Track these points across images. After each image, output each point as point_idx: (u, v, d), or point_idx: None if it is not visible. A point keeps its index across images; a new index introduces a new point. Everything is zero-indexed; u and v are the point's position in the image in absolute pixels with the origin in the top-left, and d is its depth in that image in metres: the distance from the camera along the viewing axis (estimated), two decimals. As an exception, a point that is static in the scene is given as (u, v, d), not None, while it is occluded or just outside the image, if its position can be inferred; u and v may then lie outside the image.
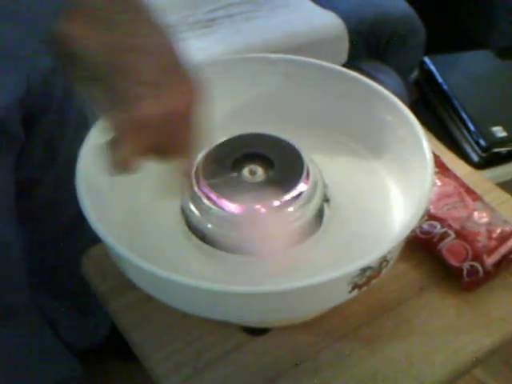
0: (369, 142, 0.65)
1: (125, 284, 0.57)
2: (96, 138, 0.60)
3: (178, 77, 0.44)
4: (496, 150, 1.32)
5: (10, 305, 0.88)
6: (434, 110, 1.48)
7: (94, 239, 0.54)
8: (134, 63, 0.40)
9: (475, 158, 1.34)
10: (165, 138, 0.46)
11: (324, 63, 0.66)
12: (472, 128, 1.35)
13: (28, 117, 0.75)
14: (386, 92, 0.63)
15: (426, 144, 0.57)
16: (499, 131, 1.33)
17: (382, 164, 0.64)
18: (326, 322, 0.61)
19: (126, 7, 0.40)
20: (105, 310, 0.67)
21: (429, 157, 0.56)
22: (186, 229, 0.60)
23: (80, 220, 0.53)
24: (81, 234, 0.76)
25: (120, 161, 0.46)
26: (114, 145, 0.45)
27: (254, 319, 0.58)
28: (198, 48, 1.31)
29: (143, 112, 0.42)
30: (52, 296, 1.06)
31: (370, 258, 0.49)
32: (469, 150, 1.36)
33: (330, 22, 1.37)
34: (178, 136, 0.48)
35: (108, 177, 0.61)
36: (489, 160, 1.33)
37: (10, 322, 0.88)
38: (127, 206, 0.62)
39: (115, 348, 0.97)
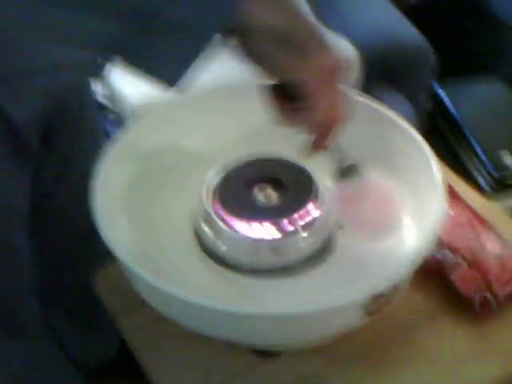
0: (381, 168, 0.65)
1: (137, 302, 0.58)
2: (112, 155, 0.61)
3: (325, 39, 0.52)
4: (509, 179, 1.32)
5: (18, 320, 0.88)
6: (445, 137, 1.49)
7: (105, 256, 0.54)
8: (308, 26, 0.49)
9: (486, 187, 1.34)
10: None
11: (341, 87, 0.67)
12: (483, 157, 1.35)
13: (45, 132, 0.77)
14: (398, 119, 0.64)
15: (437, 172, 0.58)
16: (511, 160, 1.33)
17: (394, 189, 0.64)
18: (337, 348, 0.61)
19: None
20: (114, 329, 0.67)
21: (440, 185, 0.57)
22: (200, 249, 0.60)
23: (91, 235, 0.54)
24: (92, 251, 0.76)
25: (330, 109, 0.52)
26: (310, 102, 0.51)
27: (264, 342, 0.58)
28: (213, 71, 1.32)
29: (328, 61, 0.51)
30: (61, 313, 1.06)
31: (381, 285, 0.50)
32: (480, 179, 1.36)
33: (342, 49, 1.38)
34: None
35: (123, 194, 0.62)
36: (500, 190, 1.33)
37: (18, 338, 0.89)
38: (141, 223, 0.62)
39: (123, 367, 0.96)
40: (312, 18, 0.50)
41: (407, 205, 0.63)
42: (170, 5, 0.44)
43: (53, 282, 1.01)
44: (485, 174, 1.34)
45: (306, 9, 0.50)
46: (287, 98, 0.53)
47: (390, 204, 0.60)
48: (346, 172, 0.58)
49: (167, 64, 0.48)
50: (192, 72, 0.48)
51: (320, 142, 0.55)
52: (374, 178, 0.59)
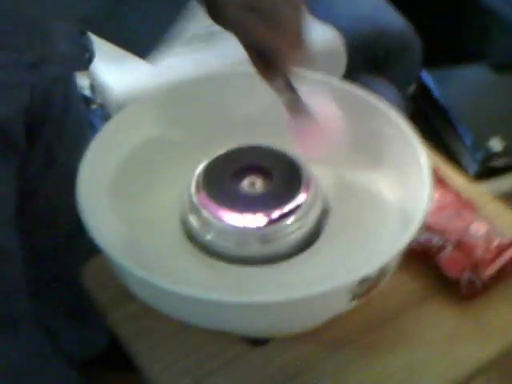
0: (368, 154, 0.66)
1: (125, 295, 0.58)
2: (97, 148, 0.61)
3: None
4: (493, 163, 1.33)
5: (9, 315, 0.88)
6: (432, 123, 1.49)
7: (94, 250, 0.54)
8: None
9: (471, 170, 1.34)
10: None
11: (323, 76, 0.67)
12: (468, 141, 1.36)
13: (30, 126, 0.76)
14: (383, 105, 0.64)
15: (423, 156, 0.58)
16: (496, 145, 1.34)
17: (381, 176, 0.65)
18: (326, 333, 0.61)
19: None
20: (104, 321, 0.68)
21: (426, 169, 0.57)
22: (186, 240, 0.61)
23: (79, 230, 0.54)
24: (80, 245, 0.76)
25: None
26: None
27: (253, 330, 0.59)
28: (198, 61, 1.32)
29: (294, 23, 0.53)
30: (51, 307, 1.06)
31: (368, 268, 0.50)
32: (466, 162, 1.37)
33: (328, 36, 1.38)
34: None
35: (109, 187, 0.62)
36: (486, 173, 1.33)
37: (9, 333, 0.88)
38: (127, 216, 0.62)
39: (115, 359, 0.96)
40: None
41: (394, 188, 0.63)
42: None
43: (42, 276, 1.00)
44: (470, 157, 1.35)
45: None
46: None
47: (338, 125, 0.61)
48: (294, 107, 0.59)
49: (142, 34, 0.48)
50: (166, 44, 0.48)
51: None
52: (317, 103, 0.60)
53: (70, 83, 0.86)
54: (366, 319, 0.62)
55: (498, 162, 1.33)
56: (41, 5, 0.48)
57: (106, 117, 1.31)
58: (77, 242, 0.88)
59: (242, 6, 0.50)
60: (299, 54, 0.55)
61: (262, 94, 0.68)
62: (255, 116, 0.69)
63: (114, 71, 1.23)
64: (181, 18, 0.47)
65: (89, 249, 0.56)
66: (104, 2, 0.45)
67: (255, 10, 0.50)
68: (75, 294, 0.83)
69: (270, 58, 0.54)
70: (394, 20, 1.44)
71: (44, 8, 0.49)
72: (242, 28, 0.52)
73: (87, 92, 1.36)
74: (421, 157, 0.58)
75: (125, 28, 0.47)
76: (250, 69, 0.69)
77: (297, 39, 0.53)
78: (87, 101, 1.35)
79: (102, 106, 1.31)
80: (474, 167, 1.33)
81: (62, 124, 0.85)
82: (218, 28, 1.56)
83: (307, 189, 0.59)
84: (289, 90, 0.57)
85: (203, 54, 1.35)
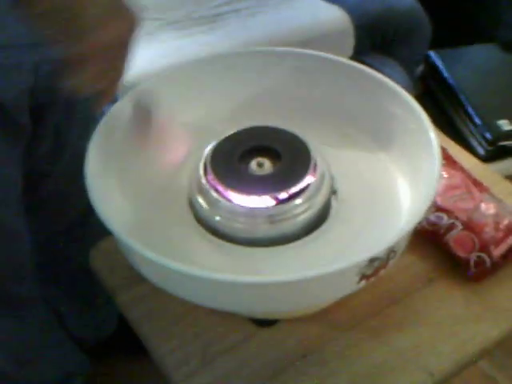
0: (376, 134, 0.66)
1: (134, 277, 0.58)
2: (104, 132, 0.60)
3: (120, 8, 0.51)
4: (502, 143, 1.32)
5: (18, 298, 0.89)
6: (440, 103, 1.48)
7: (103, 233, 0.54)
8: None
9: (481, 151, 1.34)
10: (109, 64, 0.53)
11: (331, 56, 0.66)
12: (478, 121, 1.35)
13: (36, 108, 0.76)
14: (393, 84, 0.63)
15: (433, 136, 0.57)
16: (505, 124, 1.33)
17: (390, 156, 0.64)
18: (334, 314, 0.62)
19: None
20: (113, 304, 0.68)
21: (436, 149, 0.56)
22: (195, 221, 0.60)
23: (88, 213, 0.54)
24: (89, 228, 0.76)
25: (78, 85, 0.52)
26: (71, 72, 0.51)
27: (262, 310, 0.59)
28: (204, 43, 1.32)
29: (96, 39, 0.49)
30: (60, 290, 1.06)
31: (377, 248, 0.50)
32: (475, 143, 1.36)
33: (335, 16, 1.38)
34: (118, 62, 0.54)
35: (117, 170, 0.62)
36: (495, 153, 1.33)
37: (18, 313, 0.89)
38: (136, 198, 0.62)
39: (123, 342, 0.97)
40: None
41: (403, 169, 0.63)
42: None
43: (51, 260, 1.01)
44: (479, 138, 1.34)
45: None
46: None
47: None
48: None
49: None
50: None
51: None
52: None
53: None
54: (374, 300, 0.62)
55: (508, 142, 1.33)
56: None
57: (114, 99, 1.31)
58: (86, 226, 0.88)
59: (44, 6, 0.48)
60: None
61: (270, 74, 0.68)
62: (263, 97, 0.68)
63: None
64: None
65: (98, 232, 0.56)
66: None
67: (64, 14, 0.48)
68: (84, 278, 0.83)
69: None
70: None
71: None
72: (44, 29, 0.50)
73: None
74: (430, 136, 0.58)
75: None
76: (256, 49, 0.68)
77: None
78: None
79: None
80: (483, 147, 1.32)
81: (70, 106, 0.84)
82: (223, 10, 1.56)
83: (315, 170, 0.59)
84: None
85: (210, 35, 1.35)
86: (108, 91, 0.56)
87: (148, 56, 1.21)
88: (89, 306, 1.10)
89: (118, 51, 0.52)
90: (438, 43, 1.50)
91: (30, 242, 0.85)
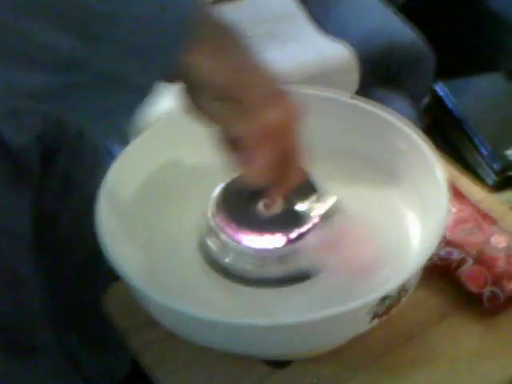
0: (384, 170, 0.66)
1: (146, 321, 0.58)
2: (115, 173, 0.61)
3: (283, 91, 0.50)
4: (510, 173, 1.31)
5: (31, 343, 0.88)
6: (447, 134, 1.48)
7: (114, 275, 0.54)
8: (252, 80, 0.47)
9: (489, 181, 1.33)
10: (286, 146, 0.51)
11: (336, 95, 0.67)
12: (485, 152, 1.35)
13: (45, 153, 0.77)
14: (398, 121, 0.64)
15: (439, 172, 0.58)
16: (513, 154, 1.33)
17: (398, 192, 0.65)
18: (348, 353, 0.61)
19: (227, 33, 0.47)
20: (126, 347, 0.68)
21: (443, 185, 0.57)
22: (205, 263, 0.61)
23: (99, 255, 0.54)
24: (101, 269, 0.76)
25: (257, 173, 0.50)
26: (247, 158, 0.50)
27: (275, 352, 0.58)
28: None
29: (271, 118, 0.48)
30: (73, 332, 1.06)
31: (388, 287, 0.49)
32: (483, 173, 1.35)
33: (340, 53, 1.39)
34: (294, 147, 0.52)
35: (127, 212, 0.62)
36: (503, 183, 1.32)
37: (30, 360, 0.89)
38: (146, 241, 0.62)
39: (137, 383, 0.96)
40: (264, 67, 0.48)
41: (411, 205, 0.63)
42: (96, 57, 0.41)
43: (63, 303, 1.01)
44: (487, 168, 1.34)
45: (256, 57, 0.47)
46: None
47: (367, 247, 0.59)
48: (329, 213, 0.58)
49: (105, 115, 0.46)
50: (135, 119, 0.47)
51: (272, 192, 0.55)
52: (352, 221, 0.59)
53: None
54: (388, 337, 0.62)
55: (517, 172, 1.32)
56: None
57: (122, 140, 1.32)
58: (97, 268, 0.88)
59: (212, 95, 0.47)
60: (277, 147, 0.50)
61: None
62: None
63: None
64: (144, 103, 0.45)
65: (109, 274, 0.56)
66: (45, 79, 0.42)
67: (224, 100, 0.47)
68: (98, 319, 0.83)
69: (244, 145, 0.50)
70: (406, 32, 1.45)
71: None
72: (216, 118, 0.49)
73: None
74: (437, 172, 0.58)
75: (87, 106, 0.45)
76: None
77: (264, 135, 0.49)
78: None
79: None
80: (491, 178, 1.32)
81: (77, 150, 0.85)
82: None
83: (323, 208, 0.59)
84: None
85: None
86: (282, 183, 0.54)
87: (157, 97, 1.22)
88: (102, 349, 1.09)
89: (287, 138, 0.51)
90: (442, 75, 1.51)
91: (41, 288, 0.85)
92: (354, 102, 0.66)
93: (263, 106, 0.47)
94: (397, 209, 0.63)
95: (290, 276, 0.58)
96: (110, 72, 0.42)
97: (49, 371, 0.93)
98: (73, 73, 0.42)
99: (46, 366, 0.92)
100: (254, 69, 0.48)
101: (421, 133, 0.62)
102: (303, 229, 0.58)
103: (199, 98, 0.48)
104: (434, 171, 0.58)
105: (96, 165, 0.87)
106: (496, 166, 1.31)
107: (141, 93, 0.45)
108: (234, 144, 0.52)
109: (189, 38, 0.43)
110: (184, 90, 0.48)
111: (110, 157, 0.67)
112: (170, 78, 0.45)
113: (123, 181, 0.63)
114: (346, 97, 0.67)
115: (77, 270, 0.98)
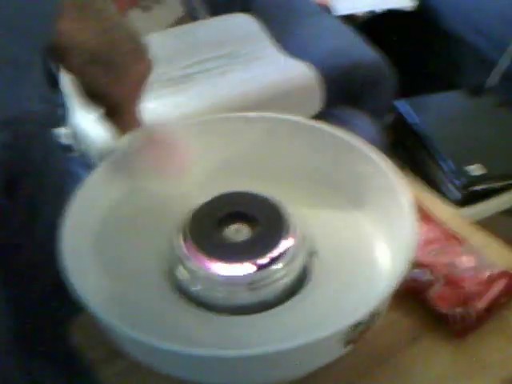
0: (349, 193, 0.66)
1: (115, 350, 0.56)
2: (78, 201, 0.60)
3: (145, 45, 0.56)
4: (474, 188, 1.34)
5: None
6: (410, 151, 1.50)
7: (80, 304, 0.53)
8: (119, 39, 0.52)
9: (454, 197, 1.35)
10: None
11: (299, 119, 0.67)
12: (448, 167, 1.37)
13: (9, 182, 0.75)
14: (359, 143, 0.64)
15: (405, 196, 0.58)
16: (476, 169, 1.35)
17: (365, 216, 0.64)
18: (320, 379, 0.60)
19: None
20: (94, 376, 0.66)
21: (409, 208, 0.57)
22: (174, 291, 0.60)
23: (64, 284, 0.52)
24: (66, 299, 0.74)
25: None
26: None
27: (246, 382, 0.57)
28: (174, 104, 1.33)
29: (140, 74, 0.55)
30: (42, 362, 1.03)
31: (360, 313, 0.49)
32: (447, 189, 1.37)
33: (303, 73, 1.40)
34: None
35: (92, 241, 0.61)
36: (468, 198, 1.34)
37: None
38: (112, 270, 0.61)
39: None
40: (126, 22, 0.52)
41: (378, 227, 0.63)
42: None
43: (30, 332, 0.98)
44: (450, 184, 1.36)
45: (119, 15, 0.51)
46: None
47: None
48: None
49: None
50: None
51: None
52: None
53: (48, 138, 0.85)
54: (359, 362, 0.61)
55: (480, 187, 1.34)
56: None
57: (87, 165, 1.30)
58: (63, 297, 0.86)
59: (84, 58, 0.51)
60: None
61: (243, 138, 0.68)
62: (237, 161, 0.68)
63: (94, 119, 1.23)
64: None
65: (76, 303, 0.55)
66: None
67: (96, 62, 0.51)
68: (66, 348, 0.81)
69: (114, 106, 0.56)
70: (368, 52, 1.47)
71: None
72: (85, 77, 0.53)
73: (65, 140, 1.35)
74: (402, 196, 0.58)
75: None
76: (228, 116, 0.69)
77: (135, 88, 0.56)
78: (66, 149, 1.34)
79: (82, 154, 1.30)
80: (455, 194, 1.34)
81: (42, 176, 0.83)
82: (193, 70, 1.58)
83: (294, 232, 0.59)
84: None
85: (179, 96, 1.36)
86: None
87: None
88: (72, 377, 1.07)
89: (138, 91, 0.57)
90: (404, 93, 1.53)
91: (6, 316, 0.83)
92: (318, 125, 0.66)
93: (132, 64, 0.53)
94: (365, 231, 0.63)
95: (261, 302, 0.57)
96: None
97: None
98: None
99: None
100: (120, 27, 0.52)
101: (384, 155, 0.62)
102: (273, 254, 0.57)
103: (75, 62, 0.51)
104: (399, 195, 0.58)
105: (61, 190, 0.86)
106: (459, 183, 1.33)
107: (22, 67, 0.47)
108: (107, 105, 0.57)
109: (59, 5, 0.46)
110: (60, 59, 0.51)
111: (74, 180, 0.66)
112: (48, 51, 0.48)
113: (88, 209, 0.62)
114: (310, 121, 0.67)
115: (41, 296, 0.95)
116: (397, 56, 1.45)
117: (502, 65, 1.58)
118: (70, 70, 0.52)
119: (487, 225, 0.78)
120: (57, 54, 0.51)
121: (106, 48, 0.50)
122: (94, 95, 0.57)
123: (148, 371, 0.54)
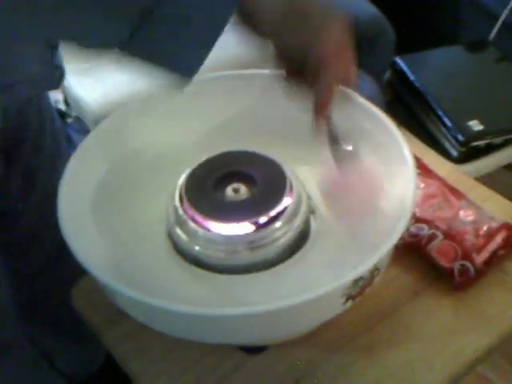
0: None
1: (118, 313, 0.57)
2: (75, 167, 0.59)
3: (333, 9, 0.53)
4: (474, 143, 1.33)
5: (1, 341, 0.86)
6: (410, 108, 1.48)
7: (81, 268, 0.53)
8: (306, 9, 0.51)
9: (454, 153, 1.34)
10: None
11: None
12: (448, 124, 1.36)
13: (6, 148, 0.75)
14: (362, 99, 0.63)
15: (406, 150, 0.57)
16: (476, 125, 1.34)
17: (364, 171, 0.64)
18: (323, 335, 0.61)
19: None
20: (100, 340, 0.66)
21: (410, 162, 0.56)
22: (174, 252, 0.59)
23: (65, 249, 0.52)
24: (68, 263, 0.75)
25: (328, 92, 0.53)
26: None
27: (249, 340, 0.58)
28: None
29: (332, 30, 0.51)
30: (45, 327, 1.04)
31: (361, 269, 0.49)
32: (447, 145, 1.36)
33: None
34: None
35: (92, 202, 0.60)
36: (468, 154, 1.33)
37: (3, 359, 0.87)
38: (112, 233, 0.61)
39: (113, 375, 0.95)
40: None
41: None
42: None
43: (32, 299, 0.99)
44: (451, 139, 1.35)
45: None
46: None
47: (375, 194, 0.59)
48: (342, 157, 0.58)
49: (181, 55, 0.47)
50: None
51: (323, 108, 0.55)
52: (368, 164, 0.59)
53: (44, 101, 0.84)
54: (362, 318, 0.62)
55: (480, 143, 1.33)
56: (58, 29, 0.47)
57: (82, 130, 1.30)
58: (64, 261, 0.86)
59: (275, 19, 0.50)
60: (344, 67, 0.53)
61: (240, 97, 0.67)
62: (234, 121, 0.68)
63: (88, 84, 1.22)
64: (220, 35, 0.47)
65: (76, 268, 0.55)
66: (127, 23, 0.44)
67: (288, 22, 0.50)
68: (68, 313, 0.82)
69: (310, 69, 0.52)
70: (366, 8, 1.44)
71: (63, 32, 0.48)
72: (279, 40, 0.51)
73: (61, 106, 1.34)
74: (404, 150, 0.57)
75: (157, 47, 0.46)
76: (223, 74, 0.68)
77: (341, 50, 0.52)
78: (62, 115, 1.33)
79: (78, 120, 1.30)
80: (456, 149, 1.33)
81: (38, 143, 0.83)
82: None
83: (292, 191, 0.58)
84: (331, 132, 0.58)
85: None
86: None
87: (114, 84, 1.20)
88: (75, 342, 1.08)
89: (346, 50, 0.53)
90: (402, 49, 1.51)
91: (7, 285, 0.83)
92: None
93: (324, 23, 0.50)
94: (364, 189, 0.63)
95: (262, 261, 0.57)
96: (183, 9, 0.45)
97: (22, 366, 0.92)
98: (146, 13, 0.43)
99: (20, 363, 0.91)
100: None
101: (384, 111, 0.62)
102: (272, 213, 0.57)
103: (266, 28, 0.50)
104: (401, 149, 0.58)
105: (57, 156, 0.85)
106: (460, 138, 1.32)
107: (215, 28, 0.46)
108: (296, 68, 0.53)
109: None
110: (248, 19, 0.50)
111: (70, 146, 0.65)
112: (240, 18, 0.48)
113: (85, 171, 0.61)
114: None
115: (45, 261, 0.96)
116: (396, 11, 1.43)
117: (505, 18, 1.55)
118: (262, 34, 0.51)
119: (488, 180, 0.78)
120: (248, 21, 0.50)
121: (295, 7, 0.50)
122: (289, 59, 0.54)
123: (152, 332, 0.54)
